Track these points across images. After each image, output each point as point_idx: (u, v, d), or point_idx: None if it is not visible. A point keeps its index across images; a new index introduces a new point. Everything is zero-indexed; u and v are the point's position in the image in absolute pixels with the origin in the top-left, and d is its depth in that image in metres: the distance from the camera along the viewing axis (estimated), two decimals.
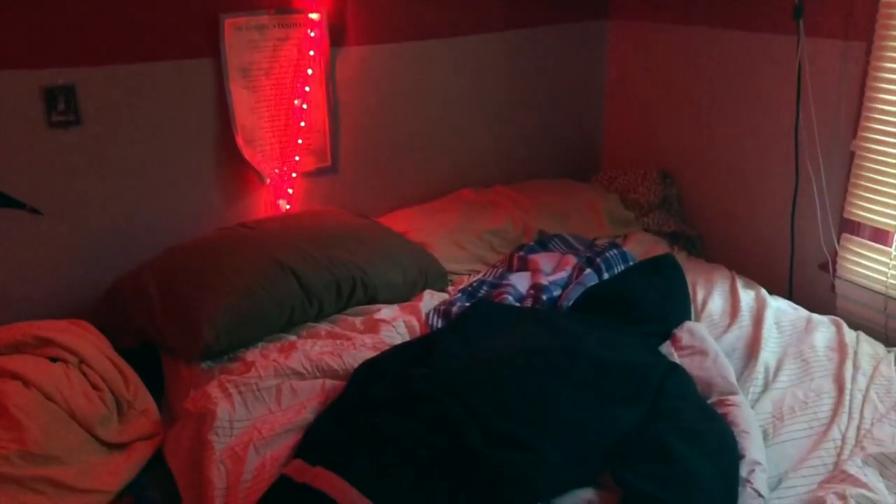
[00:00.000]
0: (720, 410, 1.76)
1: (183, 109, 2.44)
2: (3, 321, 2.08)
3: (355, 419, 1.70)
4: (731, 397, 1.81)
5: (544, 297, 2.33)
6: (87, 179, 2.33)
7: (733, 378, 1.89)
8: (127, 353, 2.14)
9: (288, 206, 2.71)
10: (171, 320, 2.11)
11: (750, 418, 1.73)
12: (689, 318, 2.21)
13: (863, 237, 2.45)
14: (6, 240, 2.25)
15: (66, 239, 2.34)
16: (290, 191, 2.70)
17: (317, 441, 1.69)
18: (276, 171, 2.66)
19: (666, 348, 2.03)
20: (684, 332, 2.06)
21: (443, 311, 2.26)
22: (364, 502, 1.44)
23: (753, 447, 1.62)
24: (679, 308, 2.23)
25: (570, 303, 2.28)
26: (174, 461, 1.88)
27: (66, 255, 2.35)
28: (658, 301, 2.20)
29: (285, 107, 2.62)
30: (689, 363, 1.94)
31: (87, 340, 2.04)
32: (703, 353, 1.97)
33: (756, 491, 1.51)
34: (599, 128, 3.45)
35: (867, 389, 1.89)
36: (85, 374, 1.95)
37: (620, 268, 2.49)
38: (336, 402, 1.82)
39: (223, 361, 2.08)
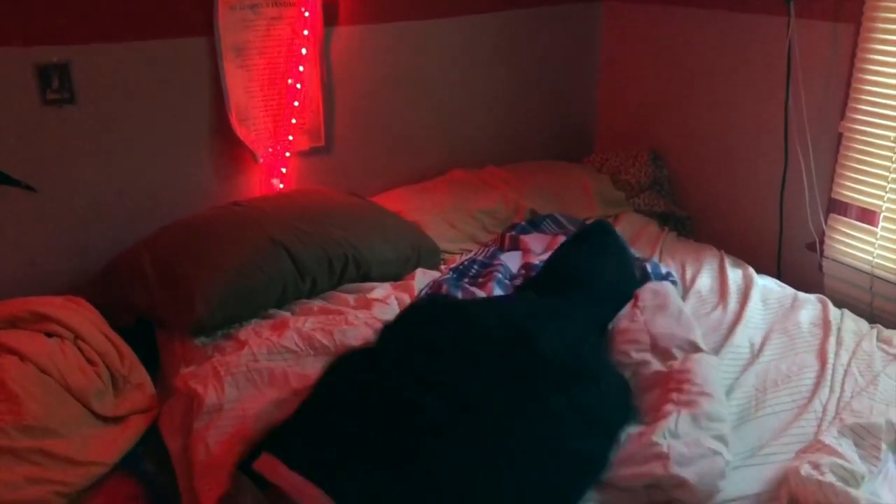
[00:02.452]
0: (679, 375, 1.75)
1: (177, 88, 2.45)
2: None
3: (324, 421, 1.63)
4: (692, 356, 1.81)
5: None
6: (81, 157, 2.34)
7: (696, 335, 1.90)
8: (122, 329, 2.16)
9: (281, 186, 2.73)
10: (165, 296, 2.14)
11: (709, 378, 1.73)
12: (631, 278, 2.22)
13: (850, 217, 2.48)
14: (0, 217, 2.27)
15: (61, 216, 2.36)
16: (284, 170, 2.72)
17: (289, 437, 1.61)
18: (270, 150, 2.67)
19: (627, 308, 2.03)
20: (647, 292, 2.07)
21: (433, 289, 2.29)
22: None
23: (712, 408, 1.63)
24: (613, 269, 2.22)
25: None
26: (168, 435, 1.91)
27: (60, 232, 2.37)
28: (589, 266, 2.19)
29: (279, 86, 2.63)
30: (641, 317, 1.95)
31: (83, 316, 2.06)
32: (662, 308, 1.98)
33: (711, 450, 1.54)
34: (592, 109, 3.46)
35: (849, 364, 1.92)
36: (80, 349, 1.98)
37: None
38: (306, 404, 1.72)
39: (217, 338, 2.10)
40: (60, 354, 1.92)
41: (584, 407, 1.64)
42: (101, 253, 2.35)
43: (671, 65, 3.04)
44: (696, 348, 1.86)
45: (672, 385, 1.73)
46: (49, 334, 1.97)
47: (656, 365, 1.82)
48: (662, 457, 1.51)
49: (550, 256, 2.35)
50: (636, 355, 1.86)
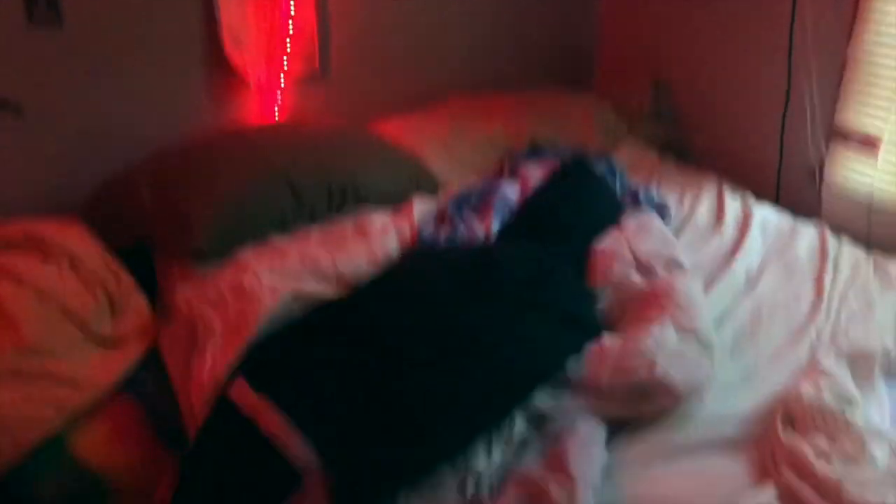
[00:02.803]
0: (661, 291, 1.77)
1: (167, 9, 2.38)
2: None
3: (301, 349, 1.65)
4: (674, 273, 1.84)
5: None
6: (69, 80, 2.29)
7: (679, 254, 1.93)
8: (119, 252, 2.15)
9: (277, 112, 2.68)
10: (163, 221, 2.12)
11: (691, 295, 1.76)
12: (613, 213, 2.22)
13: (851, 144, 2.46)
14: None
15: (49, 140, 2.30)
16: (279, 96, 2.67)
17: (264, 362, 1.63)
18: (265, 75, 2.62)
19: (611, 231, 2.06)
20: (630, 219, 2.08)
21: (437, 220, 2.27)
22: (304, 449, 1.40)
23: (694, 323, 1.66)
24: (592, 209, 2.24)
25: None
26: (170, 358, 1.94)
27: (49, 156, 2.32)
28: (569, 204, 2.21)
29: (273, 10, 2.55)
30: (624, 238, 1.98)
31: (79, 239, 2.05)
32: (645, 231, 2.01)
33: (695, 359, 1.57)
34: (593, 36, 3.39)
35: (845, 291, 1.94)
36: (76, 272, 1.97)
37: (609, 178, 2.50)
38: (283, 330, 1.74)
39: (215, 262, 2.09)
40: (57, 277, 1.91)
41: (547, 304, 1.68)
42: (91, 177, 2.30)
43: None
44: (678, 265, 1.87)
45: (654, 300, 1.74)
46: (46, 257, 1.96)
47: (638, 280, 1.84)
48: (648, 362, 1.53)
49: (527, 200, 2.33)
50: (619, 271, 1.87)
